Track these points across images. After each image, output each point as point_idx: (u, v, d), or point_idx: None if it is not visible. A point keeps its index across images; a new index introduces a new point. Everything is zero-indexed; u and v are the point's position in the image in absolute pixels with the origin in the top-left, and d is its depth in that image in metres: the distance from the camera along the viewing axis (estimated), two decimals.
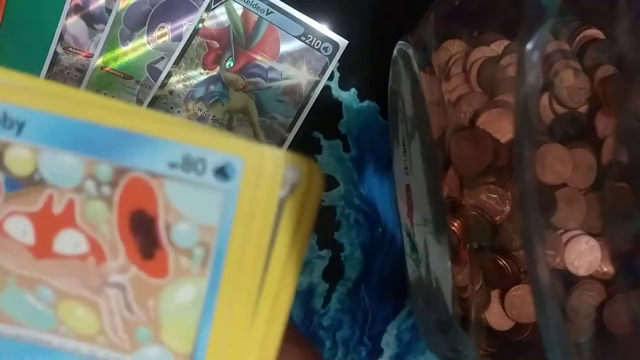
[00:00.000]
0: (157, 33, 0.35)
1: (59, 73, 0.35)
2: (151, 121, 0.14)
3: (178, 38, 0.35)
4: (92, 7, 0.35)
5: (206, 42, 0.35)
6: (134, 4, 0.35)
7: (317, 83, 0.35)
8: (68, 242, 0.15)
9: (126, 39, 0.35)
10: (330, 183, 0.35)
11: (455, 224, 0.23)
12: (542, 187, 0.23)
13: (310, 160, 0.15)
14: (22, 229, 0.14)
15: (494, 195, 0.23)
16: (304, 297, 0.35)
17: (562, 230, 0.23)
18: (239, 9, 0.34)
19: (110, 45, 0.35)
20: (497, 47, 0.26)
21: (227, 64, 0.35)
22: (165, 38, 0.35)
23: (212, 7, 0.34)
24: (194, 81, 0.35)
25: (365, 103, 0.35)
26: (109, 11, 0.35)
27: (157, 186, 0.14)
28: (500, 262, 0.23)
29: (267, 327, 0.15)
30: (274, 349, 0.15)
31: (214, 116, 0.35)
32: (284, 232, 0.15)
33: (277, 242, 0.15)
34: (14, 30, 0.35)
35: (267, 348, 0.15)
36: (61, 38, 0.35)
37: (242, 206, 0.14)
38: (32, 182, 0.14)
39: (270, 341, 0.15)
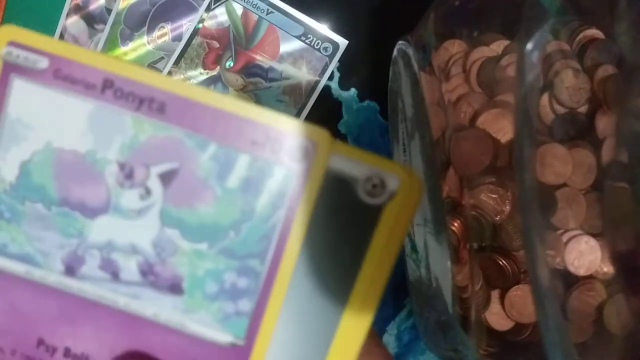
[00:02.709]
0: (157, 33, 0.35)
1: None
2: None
3: (178, 38, 0.35)
4: (92, 7, 0.35)
5: (206, 42, 0.35)
6: (134, 4, 0.35)
7: (317, 83, 0.35)
8: None
9: (126, 39, 0.35)
10: None
11: (455, 224, 0.23)
12: (542, 187, 0.23)
13: (411, 169, 0.14)
14: None
15: (494, 195, 0.23)
16: None
17: (562, 230, 0.23)
18: (239, 9, 0.34)
19: (110, 45, 0.35)
20: (497, 47, 0.26)
21: (227, 64, 0.35)
22: (165, 38, 0.35)
23: (212, 7, 0.34)
24: (194, 81, 0.35)
25: (365, 103, 0.35)
26: (109, 11, 0.35)
27: None
28: (500, 262, 0.23)
29: (354, 328, 0.15)
30: (356, 351, 0.15)
31: None
32: (378, 238, 0.14)
33: (370, 248, 0.14)
34: None
35: (349, 350, 0.15)
36: (61, 38, 0.35)
37: None
38: None
39: (354, 343, 0.15)
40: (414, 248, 0.30)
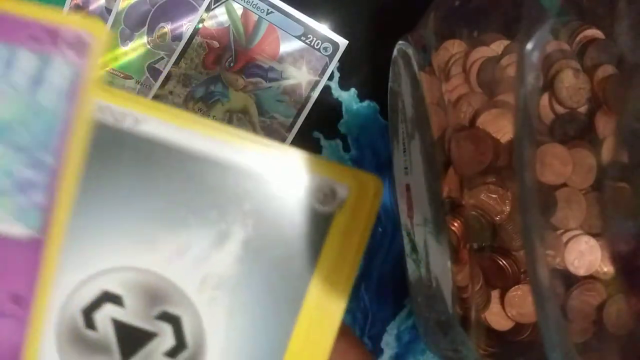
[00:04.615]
0: (157, 33, 0.35)
1: None
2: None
3: (178, 38, 0.35)
4: (92, 7, 0.35)
5: (206, 42, 0.35)
6: (134, 4, 0.35)
7: (317, 83, 0.35)
8: None
9: (126, 39, 0.35)
10: None
11: (455, 224, 0.23)
12: (542, 187, 0.23)
13: (366, 176, 0.15)
14: None
15: (494, 195, 0.23)
16: None
17: (562, 230, 0.23)
18: (239, 9, 0.34)
19: (110, 45, 0.35)
20: (497, 47, 0.26)
21: (227, 64, 0.35)
22: (165, 38, 0.35)
23: (212, 7, 0.34)
24: (194, 81, 0.35)
25: (365, 103, 0.35)
26: (109, 11, 0.35)
27: None
28: (500, 262, 0.23)
29: (308, 343, 0.15)
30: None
31: (214, 116, 0.35)
32: (329, 247, 0.15)
33: (321, 257, 0.15)
34: None
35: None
36: None
37: None
38: None
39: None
40: (414, 248, 0.30)
